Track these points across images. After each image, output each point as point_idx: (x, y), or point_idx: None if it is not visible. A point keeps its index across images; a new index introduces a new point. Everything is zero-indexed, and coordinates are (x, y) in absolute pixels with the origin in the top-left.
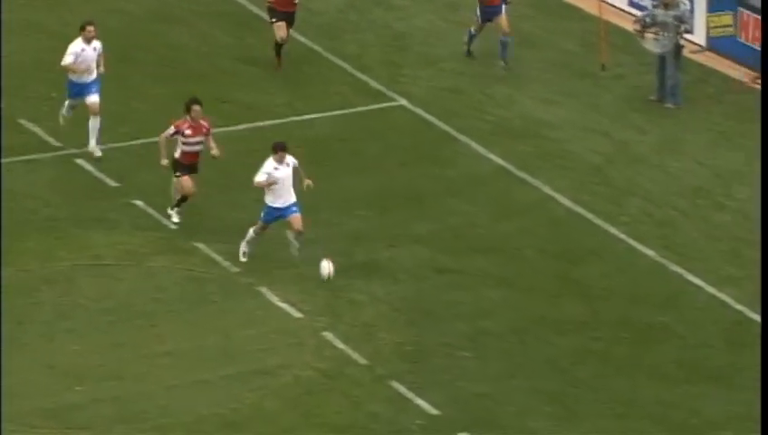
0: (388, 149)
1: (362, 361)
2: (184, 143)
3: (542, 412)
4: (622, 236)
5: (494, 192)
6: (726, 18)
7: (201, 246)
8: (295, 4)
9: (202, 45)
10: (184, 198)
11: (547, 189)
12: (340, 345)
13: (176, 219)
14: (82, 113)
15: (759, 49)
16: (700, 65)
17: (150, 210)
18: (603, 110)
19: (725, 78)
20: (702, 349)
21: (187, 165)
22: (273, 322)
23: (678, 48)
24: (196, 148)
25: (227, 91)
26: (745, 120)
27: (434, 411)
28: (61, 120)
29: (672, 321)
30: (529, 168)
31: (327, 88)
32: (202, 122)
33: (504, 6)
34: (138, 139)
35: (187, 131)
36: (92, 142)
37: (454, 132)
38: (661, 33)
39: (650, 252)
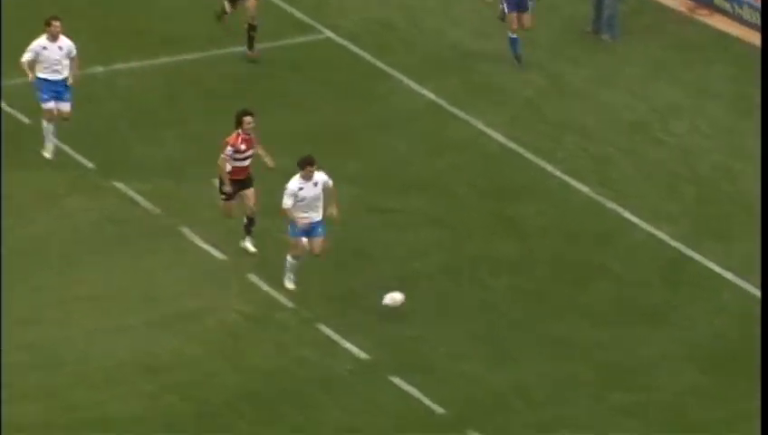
0: (315, 84)
1: (289, 304)
2: (235, 159)
3: (475, 355)
4: (557, 172)
5: (426, 128)
6: None
7: (120, 185)
8: None
9: None
10: (251, 221)
11: (480, 125)
12: (266, 288)
13: (251, 249)
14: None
15: None
16: None
17: (66, 147)
18: (537, 42)
19: (663, 8)
20: (638, 288)
21: (239, 181)
22: (195, 264)
23: None
24: (247, 162)
25: (145, 21)
26: (684, 51)
27: (363, 355)
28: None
29: (608, 259)
30: (461, 103)
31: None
32: (252, 134)
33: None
34: None
35: (242, 146)
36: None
37: (384, 67)
38: None
39: (586, 189)
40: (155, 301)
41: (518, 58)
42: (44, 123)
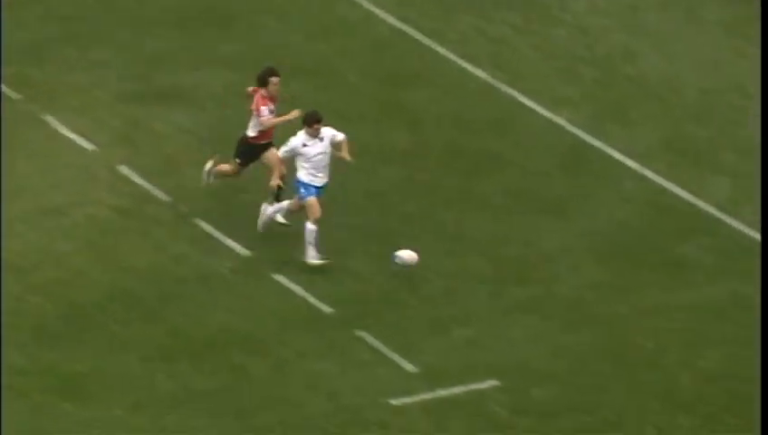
0: None
1: (164, 197)
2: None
3: (363, 250)
4: (451, 55)
5: (309, 8)
6: None
7: None
8: None
9: None
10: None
11: (369, 5)
12: (139, 180)
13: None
14: None
15: None
16: None
17: None
18: None
19: None
20: (536, 177)
21: (266, 145)
22: (61, 155)
23: None
24: None
25: None
26: None
27: (245, 252)
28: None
29: (504, 147)
30: None
31: None
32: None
33: None
34: None
35: (272, 105)
36: None
37: None
38: None
39: (481, 73)
40: (17, 195)
41: None
42: None
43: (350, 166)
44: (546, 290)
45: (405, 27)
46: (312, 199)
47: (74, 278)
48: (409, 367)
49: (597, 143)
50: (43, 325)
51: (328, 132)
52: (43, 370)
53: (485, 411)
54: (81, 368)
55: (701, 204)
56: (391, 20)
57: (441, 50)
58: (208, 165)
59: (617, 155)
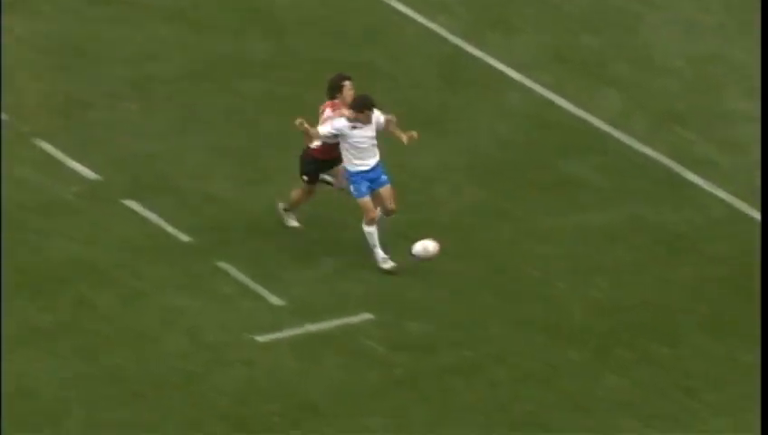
0: None
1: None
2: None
3: (224, 173)
4: None
5: None
6: None
7: None
8: None
9: None
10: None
11: None
12: None
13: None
14: None
15: None
16: None
17: None
18: None
19: None
20: (412, 90)
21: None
22: None
23: None
24: None
25: None
26: None
27: (92, 175)
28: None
29: (378, 58)
30: None
31: None
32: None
33: None
34: None
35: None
36: None
37: None
38: None
39: None
40: None
41: None
42: None
43: (208, 80)
44: (423, 216)
45: None
46: (364, 199)
47: None
48: (276, 300)
49: (477, 53)
50: None
51: (379, 115)
52: None
53: (359, 347)
54: None
55: (590, 118)
56: None
57: None
58: (280, 205)
59: (499, 65)
